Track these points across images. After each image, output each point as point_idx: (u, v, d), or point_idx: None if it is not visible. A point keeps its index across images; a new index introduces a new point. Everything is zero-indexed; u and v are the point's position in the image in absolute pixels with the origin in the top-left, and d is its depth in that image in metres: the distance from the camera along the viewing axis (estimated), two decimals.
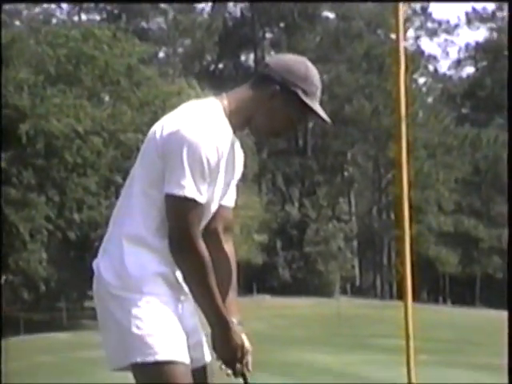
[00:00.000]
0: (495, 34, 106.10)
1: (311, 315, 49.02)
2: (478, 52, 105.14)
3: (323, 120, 5.23)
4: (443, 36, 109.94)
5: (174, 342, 5.01)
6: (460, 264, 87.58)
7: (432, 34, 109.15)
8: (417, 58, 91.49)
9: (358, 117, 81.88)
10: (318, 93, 5.15)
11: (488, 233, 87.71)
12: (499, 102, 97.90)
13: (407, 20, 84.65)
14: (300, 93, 5.03)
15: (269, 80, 5.08)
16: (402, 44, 5.36)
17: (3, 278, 51.32)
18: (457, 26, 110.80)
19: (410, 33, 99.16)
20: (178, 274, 5.14)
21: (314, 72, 5.16)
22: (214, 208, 5.25)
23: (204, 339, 5.34)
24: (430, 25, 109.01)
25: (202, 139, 4.96)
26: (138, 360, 4.90)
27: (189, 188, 4.91)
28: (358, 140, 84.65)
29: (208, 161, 4.97)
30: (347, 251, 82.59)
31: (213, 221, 5.32)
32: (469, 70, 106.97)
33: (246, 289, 60.66)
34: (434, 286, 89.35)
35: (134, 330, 4.89)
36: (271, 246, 74.71)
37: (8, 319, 44.01)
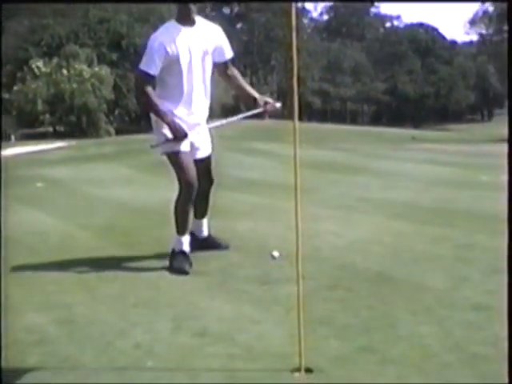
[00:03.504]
0: None
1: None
2: (330, 8, 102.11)
3: None
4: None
5: (184, 144, 4.88)
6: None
7: None
8: (301, 11, 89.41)
9: (277, 39, 79.96)
10: None
11: (333, 91, 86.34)
12: (339, 31, 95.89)
13: None
14: None
15: None
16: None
17: (116, 111, 50.60)
18: None
19: None
20: (192, 116, 4.89)
21: None
22: (195, 66, 4.79)
23: (208, 144, 5.19)
24: None
25: (154, 39, 4.72)
26: (168, 151, 4.90)
27: (144, 64, 4.70)
28: (277, 49, 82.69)
29: (159, 50, 4.66)
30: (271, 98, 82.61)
31: (222, 72, 5.07)
32: (326, 16, 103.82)
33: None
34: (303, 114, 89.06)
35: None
36: None
37: (119, 130, 43.41)
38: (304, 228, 3.42)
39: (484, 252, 5.37)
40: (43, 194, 10.27)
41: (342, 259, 5.22)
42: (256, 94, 5.04)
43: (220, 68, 5.02)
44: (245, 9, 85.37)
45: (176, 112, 4.83)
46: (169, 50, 4.65)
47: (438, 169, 12.39)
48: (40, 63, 45.05)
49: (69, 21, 51.67)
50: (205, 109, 5.00)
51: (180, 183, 4.96)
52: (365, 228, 6.48)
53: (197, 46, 4.78)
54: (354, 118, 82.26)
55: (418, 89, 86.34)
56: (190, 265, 4.97)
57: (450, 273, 4.79)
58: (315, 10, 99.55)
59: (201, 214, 5.39)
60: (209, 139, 5.19)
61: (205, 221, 5.51)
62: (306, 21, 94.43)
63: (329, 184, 9.97)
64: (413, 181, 10.24)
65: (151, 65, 4.64)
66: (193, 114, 4.88)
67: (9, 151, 25.86)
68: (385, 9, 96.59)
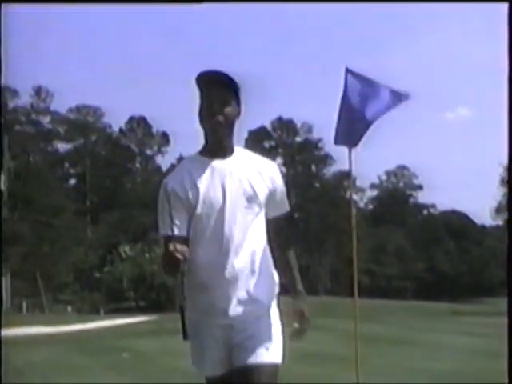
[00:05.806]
0: None
1: None
2: (374, 199, 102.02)
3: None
4: None
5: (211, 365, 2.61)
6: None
7: None
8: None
9: (330, 225, 76.82)
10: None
11: (379, 270, 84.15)
12: (383, 218, 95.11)
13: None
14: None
15: None
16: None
17: None
18: None
19: None
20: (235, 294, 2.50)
21: None
22: (233, 214, 2.47)
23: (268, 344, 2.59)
24: None
25: (164, 186, 2.58)
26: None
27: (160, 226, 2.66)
28: (331, 234, 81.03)
29: (169, 199, 2.53)
30: None
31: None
32: (371, 206, 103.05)
33: None
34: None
35: None
36: None
37: None
38: None
39: None
40: (128, 363, 10.34)
41: None
42: (299, 287, 2.69)
43: (269, 225, 2.65)
44: (302, 200, 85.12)
45: (207, 295, 2.55)
46: (182, 195, 2.54)
47: (476, 340, 12.05)
48: (127, 248, 46.86)
49: (153, 212, 53.59)
50: (261, 285, 2.56)
51: None
52: None
53: (234, 186, 2.55)
54: (398, 294, 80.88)
55: (453, 267, 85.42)
56: None
57: None
58: (361, 201, 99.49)
59: None
60: (274, 339, 2.65)
61: None
62: (354, 210, 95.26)
63: (377, 356, 9.77)
64: (453, 352, 9.99)
65: (166, 223, 2.56)
66: (234, 293, 2.52)
67: (98, 323, 26.18)
68: (422, 198, 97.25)
